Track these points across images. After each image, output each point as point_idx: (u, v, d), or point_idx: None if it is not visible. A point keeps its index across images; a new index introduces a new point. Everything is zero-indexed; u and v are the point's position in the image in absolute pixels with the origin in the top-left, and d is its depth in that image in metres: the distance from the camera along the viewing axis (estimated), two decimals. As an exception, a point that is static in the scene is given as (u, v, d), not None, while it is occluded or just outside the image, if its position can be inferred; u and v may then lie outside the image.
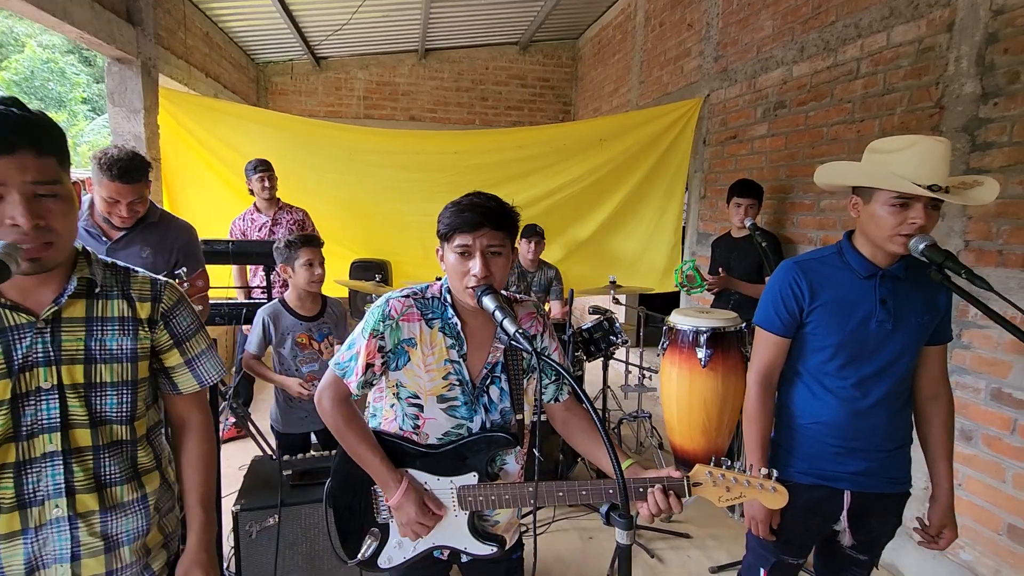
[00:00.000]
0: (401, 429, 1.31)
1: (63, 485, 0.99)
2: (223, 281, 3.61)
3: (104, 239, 2.04)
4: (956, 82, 2.35)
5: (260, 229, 3.61)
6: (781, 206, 3.44)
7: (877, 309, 1.42)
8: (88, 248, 1.08)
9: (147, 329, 1.08)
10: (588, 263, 4.53)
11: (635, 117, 4.54)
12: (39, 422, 0.98)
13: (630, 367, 4.20)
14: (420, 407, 1.29)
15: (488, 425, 1.30)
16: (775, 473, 1.11)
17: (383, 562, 1.33)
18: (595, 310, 3.42)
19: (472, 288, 1.19)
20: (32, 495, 0.98)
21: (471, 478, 1.28)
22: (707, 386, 2.25)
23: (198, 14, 4.59)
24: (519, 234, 1.39)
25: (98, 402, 1.03)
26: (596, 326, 3.33)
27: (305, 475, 2.08)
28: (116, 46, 3.24)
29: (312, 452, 2.32)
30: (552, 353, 1.37)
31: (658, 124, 4.27)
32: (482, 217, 1.18)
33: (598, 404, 3.48)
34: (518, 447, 1.32)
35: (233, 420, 3.52)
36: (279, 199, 3.68)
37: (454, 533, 1.31)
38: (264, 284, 3.30)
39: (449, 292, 1.30)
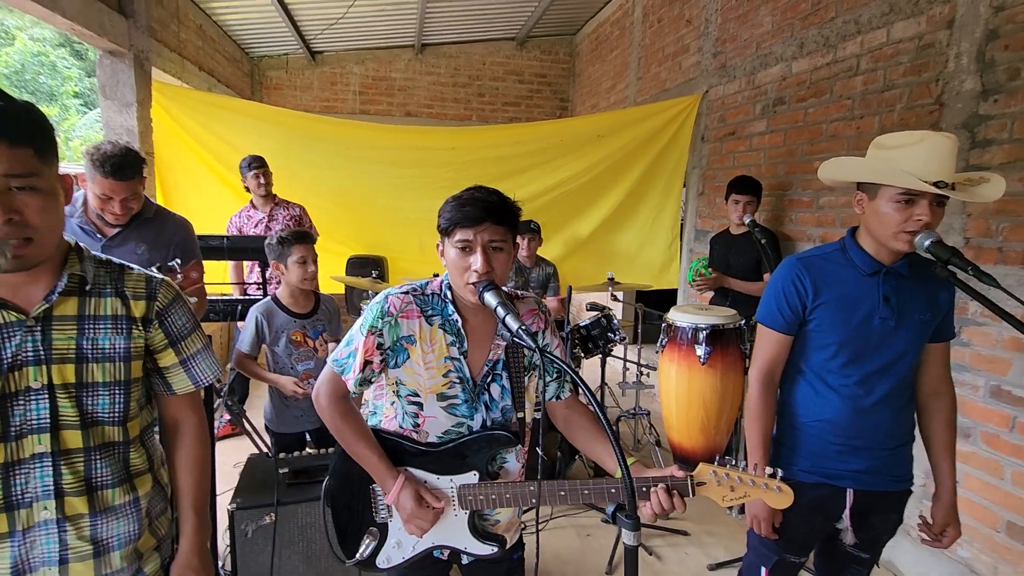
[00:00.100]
0: (401, 427, 1.29)
1: (52, 487, 0.97)
2: (219, 277, 3.58)
3: (99, 236, 2.00)
4: (956, 79, 2.35)
5: (257, 225, 3.57)
6: (780, 203, 3.43)
7: (880, 306, 1.41)
8: (82, 244, 1.05)
9: (141, 328, 1.05)
10: (586, 259, 4.50)
11: (633, 113, 4.52)
12: (28, 422, 0.96)
13: (628, 364, 4.20)
14: (420, 405, 1.27)
15: (489, 423, 1.28)
16: (780, 473, 1.10)
17: (381, 562, 1.31)
18: (593, 307, 3.41)
19: (473, 284, 1.17)
20: (20, 497, 0.96)
21: (471, 477, 1.26)
22: (706, 383, 2.24)
23: (191, 6, 4.53)
24: None
25: (89, 403, 1.00)
26: (594, 323, 3.32)
27: (301, 473, 2.06)
28: (108, 38, 3.19)
29: (308, 451, 2.30)
30: (554, 350, 1.35)
31: (656, 120, 4.25)
32: (484, 212, 1.16)
33: (596, 401, 3.46)
34: (519, 445, 1.31)
35: (228, 417, 3.49)
36: (275, 195, 3.64)
37: (454, 533, 1.29)
38: (260, 280, 3.26)
39: (449, 288, 1.27)
